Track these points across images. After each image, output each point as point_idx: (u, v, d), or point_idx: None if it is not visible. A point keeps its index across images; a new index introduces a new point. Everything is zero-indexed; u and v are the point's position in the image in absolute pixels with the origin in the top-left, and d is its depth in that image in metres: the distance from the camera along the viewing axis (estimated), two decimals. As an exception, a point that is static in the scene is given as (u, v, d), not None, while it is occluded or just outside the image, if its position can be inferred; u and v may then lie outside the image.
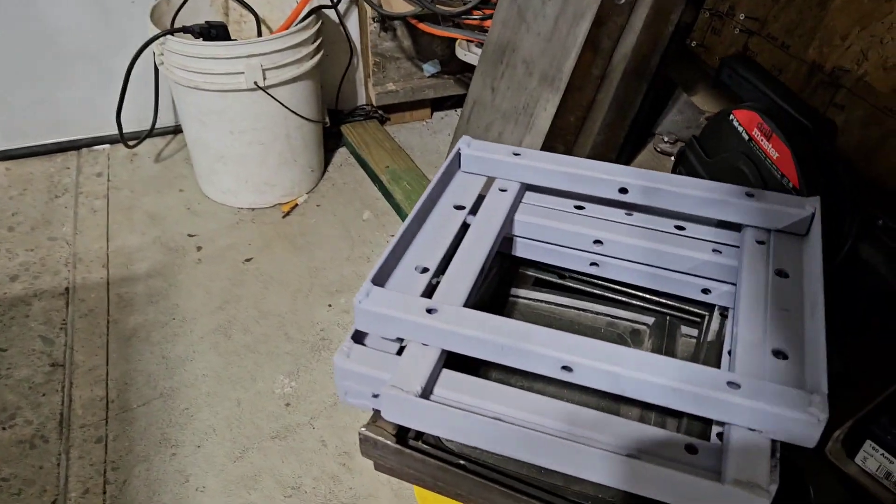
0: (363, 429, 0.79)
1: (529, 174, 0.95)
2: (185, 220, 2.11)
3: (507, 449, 0.69)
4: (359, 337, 0.80)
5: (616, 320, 1.00)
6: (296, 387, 1.62)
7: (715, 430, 0.72)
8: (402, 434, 0.80)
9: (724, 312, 0.94)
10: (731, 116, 1.04)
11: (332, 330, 1.76)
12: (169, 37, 1.82)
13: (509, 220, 0.94)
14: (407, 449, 0.77)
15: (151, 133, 2.23)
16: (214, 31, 1.85)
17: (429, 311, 0.73)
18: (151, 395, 1.58)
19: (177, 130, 2.41)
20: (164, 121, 2.36)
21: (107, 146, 2.38)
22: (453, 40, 2.04)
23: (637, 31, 1.16)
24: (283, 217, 2.12)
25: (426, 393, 0.71)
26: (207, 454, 1.47)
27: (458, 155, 0.97)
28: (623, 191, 0.92)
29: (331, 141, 2.41)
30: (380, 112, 2.47)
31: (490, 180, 0.98)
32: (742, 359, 0.72)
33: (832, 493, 1.14)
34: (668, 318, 0.99)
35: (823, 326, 0.71)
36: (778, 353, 0.72)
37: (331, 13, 2.24)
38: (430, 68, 2.35)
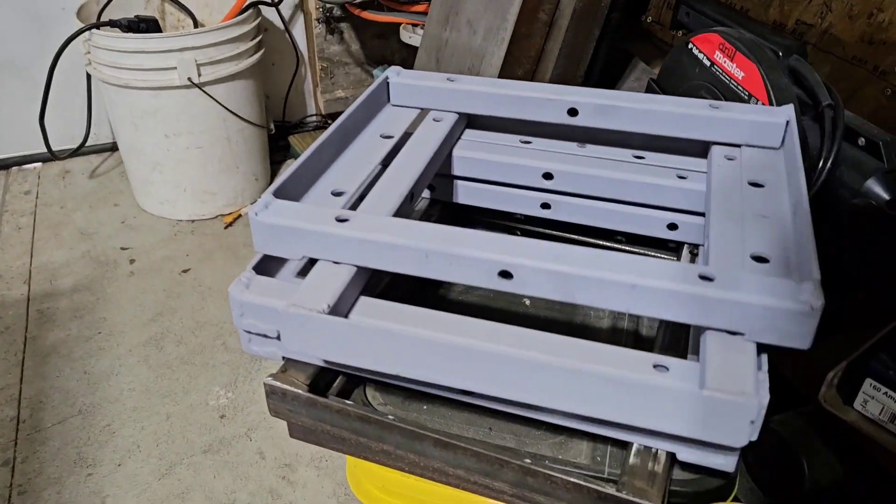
0: (269, 378, 0.65)
1: (467, 101, 0.84)
2: (118, 234, 1.96)
3: (442, 374, 0.55)
4: (266, 269, 0.68)
5: (574, 274, 0.88)
6: (233, 398, 1.46)
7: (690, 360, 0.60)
8: (319, 386, 0.66)
9: (693, 251, 0.83)
10: (690, 45, 0.94)
11: (275, 338, 1.61)
12: (95, 32, 1.70)
13: (446, 154, 0.83)
14: (322, 398, 0.64)
15: (84, 145, 2.09)
16: (144, 26, 1.74)
17: (340, 220, 0.61)
18: (68, 413, 1.41)
19: (114, 147, 2.27)
20: (100, 137, 2.23)
21: (38, 164, 2.24)
22: (405, 45, 1.95)
23: (585, -34, 1.07)
24: (226, 228, 1.98)
25: (336, 315, 0.58)
26: (129, 473, 1.30)
27: (387, 84, 0.86)
28: (573, 112, 0.81)
29: (279, 153, 2.29)
30: (329, 122, 2.35)
31: (423, 114, 0.87)
32: (716, 265, 0.60)
33: (827, 469, 1.03)
34: (631, 269, 0.87)
35: (810, 225, 0.60)
36: (758, 259, 0.60)
37: (276, 20, 2.15)
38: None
